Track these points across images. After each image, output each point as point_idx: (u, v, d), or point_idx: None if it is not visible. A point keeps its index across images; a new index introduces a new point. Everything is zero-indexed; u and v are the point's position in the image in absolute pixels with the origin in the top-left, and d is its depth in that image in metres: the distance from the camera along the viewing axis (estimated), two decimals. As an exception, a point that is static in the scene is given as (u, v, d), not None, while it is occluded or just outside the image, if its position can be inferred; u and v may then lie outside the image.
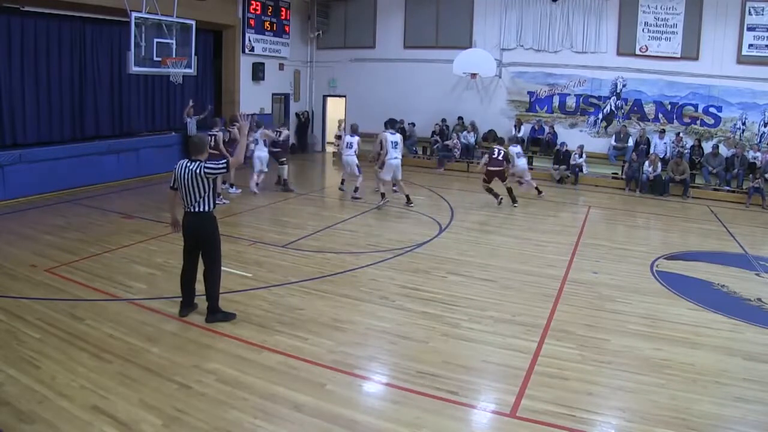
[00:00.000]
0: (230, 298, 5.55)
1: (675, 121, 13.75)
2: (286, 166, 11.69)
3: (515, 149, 11.52)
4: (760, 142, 12.94)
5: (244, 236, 8.02)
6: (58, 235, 7.77)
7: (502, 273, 6.85)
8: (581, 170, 13.75)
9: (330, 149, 17.69)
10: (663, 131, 13.61)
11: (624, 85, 14.06)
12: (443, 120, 15.59)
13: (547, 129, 14.73)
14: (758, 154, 12.64)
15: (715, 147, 12.97)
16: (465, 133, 15.31)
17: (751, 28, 12.69)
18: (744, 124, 13.11)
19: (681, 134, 13.49)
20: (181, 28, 10.77)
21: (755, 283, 6.89)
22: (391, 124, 10.54)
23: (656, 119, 13.95)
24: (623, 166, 13.78)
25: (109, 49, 11.87)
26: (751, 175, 12.38)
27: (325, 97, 17.89)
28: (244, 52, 14.80)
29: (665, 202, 12.25)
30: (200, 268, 5.14)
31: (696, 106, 13.51)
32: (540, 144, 14.74)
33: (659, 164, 12.93)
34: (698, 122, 13.57)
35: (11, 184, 9.64)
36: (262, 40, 15.30)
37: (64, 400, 3.78)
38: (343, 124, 15.49)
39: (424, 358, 4.62)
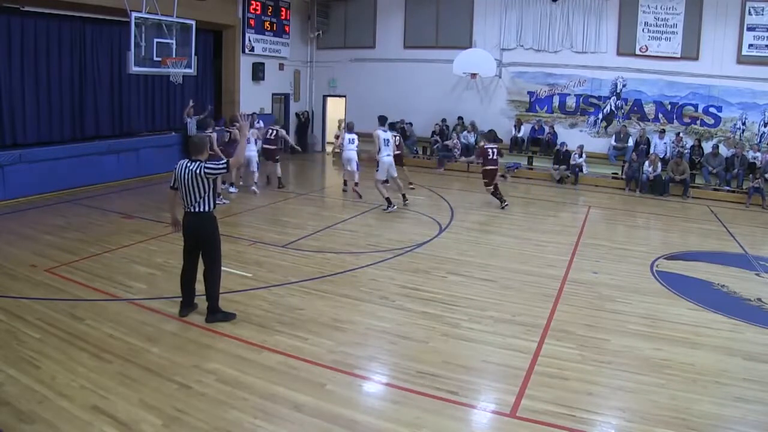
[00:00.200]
0: (230, 298, 5.55)
1: (675, 121, 13.75)
2: (278, 164, 11.69)
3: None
4: (760, 142, 12.94)
5: (244, 236, 8.02)
6: (58, 235, 7.77)
7: (502, 273, 6.85)
8: (581, 170, 13.75)
9: (329, 149, 17.68)
10: (663, 131, 13.61)
11: (624, 85, 14.06)
12: (443, 120, 15.59)
13: (547, 129, 14.73)
14: (758, 154, 12.64)
15: (715, 147, 12.97)
16: (465, 133, 15.30)
17: (751, 28, 12.69)
18: (744, 124, 13.11)
19: (681, 134, 13.49)
20: (181, 28, 10.77)
21: (755, 283, 6.89)
22: (383, 120, 10.38)
23: (656, 119, 13.95)
24: (623, 166, 13.78)
25: (109, 49, 11.87)
26: (751, 175, 12.38)
27: (325, 97, 17.89)
28: (244, 52, 14.80)
29: (665, 202, 12.25)
30: (200, 268, 5.14)
31: (696, 106, 13.50)
32: (540, 144, 14.75)
33: (659, 164, 12.93)
34: (698, 122, 13.57)
35: (11, 184, 9.64)
36: (262, 40, 15.30)
37: (64, 400, 3.78)
38: (342, 124, 15.49)
39: (424, 358, 4.62)
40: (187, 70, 11.07)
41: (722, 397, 4.14)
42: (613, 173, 14.02)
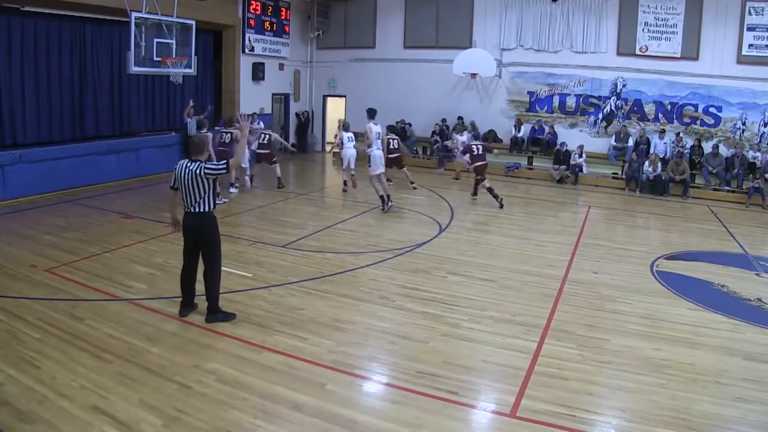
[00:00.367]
0: (230, 298, 5.55)
1: (675, 121, 13.75)
2: (277, 165, 11.71)
3: (462, 138, 12.15)
4: (760, 142, 12.94)
5: (244, 236, 8.02)
6: (58, 235, 7.77)
7: (502, 273, 6.85)
8: (581, 170, 13.75)
9: (329, 149, 17.69)
10: (663, 131, 13.61)
11: (624, 85, 14.06)
12: (443, 120, 15.58)
13: (547, 129, 14.73)
14: (758, 154, 12.64)
15: (715, 147, 12.97)
16: (465, 132, 15.27)
17: (751, 28, 12.69)
18: (744, 124, 13.11)
19: (681, 134, 13.49)
20: (181, 28, 10.77)
21: (755, 283, 6.89)
22: (373, 113, 10.18)
23: (656, 119, 13.95)
24: (623, 166, 13.78)
25: (109, 49, 11.87)
26: (751, 175, 12.38)
27: (325, 97, 17.89)
28: (244, 52, 14.80)
29: (665, 202, 12.25)
30: (200, 268, 5.14)
31: (696, 106, 13.50)
32: (540, 144, 14.75)
33: (659, 164, 12.93)
34: (698, 122, 13.56)
35: (11, 184, 9.64)
36: (262, 40, 15.30)
37: (64, 400, 3.78)
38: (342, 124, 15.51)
39: (424, 358, 4.62)
40: (187, 70, 11.07)
41: (722, 397, 4.14)
42: (613, 173, 14.02)
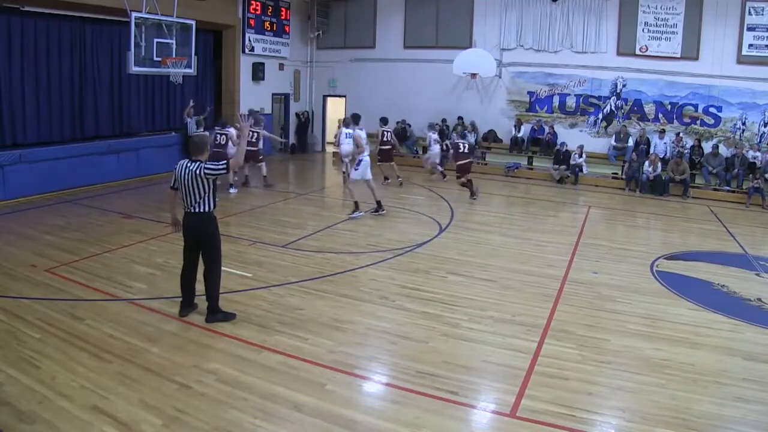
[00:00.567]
0: (230, 298, 5.55)
1: (675, 121, 13.75)
2: (263, 164, 11.73)
3: (434, 136, 12.49)
4: (760, 142, 12.94)
5: (244, 236, 8.02)
6: (58, 235, 7.77)
7: (502, 273, 6.85)
8: (581, 170, 13.75)
9: (330, 149, 17.68)
10: (663, 131, 13.62)
11: (624, 85, 14.06)
12: (443, 120, 15.57)
13: (547, 129, 14.73)
14: (758, 154, 12.64)
15: (715, 147, 12.97)
16: (465, 133, 15.28)
17: (751, 28, 12.69)
18: (744, 124, 13.12)
19: (681, 134, 13.49)
20: (181, 28, 10.77)
21: (755, 283, 6.89)
22: (358, 119, 10.01)
23: (656, 119, 13.95)
24: (623, 166, 13.78)
25: (109, 49, 11.87)
26: (751, 175, 12.38)
27: (325, 97, 17.89)
28: (244, 52, 14.80)
29: (665, 202, 12.25)
30: (200, 268, 5.14)
31: (696, 106, 13.51)
32: (540, 144, 14.75)
33: (659, 164, 12.93)
34: (698, 122, 13.57)
35: (11, 184, 9.65)
36: (262, 40, 15.30)
37: (64, 400, 3.78)
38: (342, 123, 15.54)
39: (424, 358, 4.62)
40: (187, 70, 11.08)
41: (722, 397, 4.14)
42: (613, 173, 14.02)
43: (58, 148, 10.70)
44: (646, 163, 13.03)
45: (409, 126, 15.85)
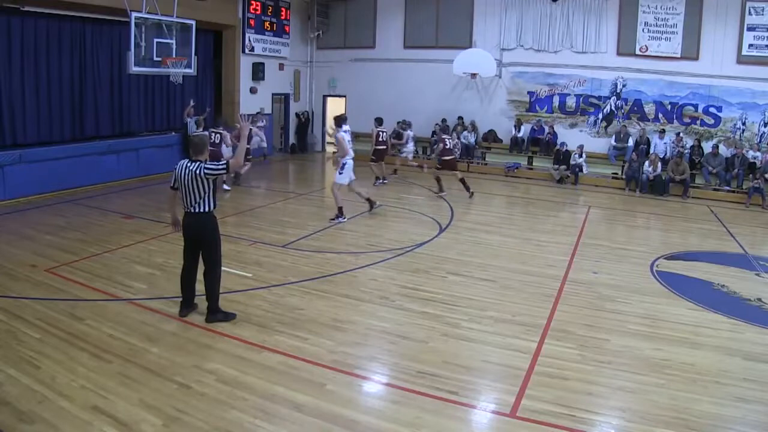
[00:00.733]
0: (230, 298, 5.55)
1: (675, 121, 13.74)
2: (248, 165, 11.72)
3: (410, 133, 12.81)
4: (760, 142, 12.94)
5: (244, 236, 8.02)
6: (58, 235, 7.77)
7: (502, 273, 6.85)
8: (581, 170, 13.75)
9: (330, 149, 17.68)
10: (663, 131, 13.61)
11: (624, 85, 14.06)
12: (443, 120, 15.57)
13: (547, 129, 14.73)
14: (758, 154, 12.64)
15: (715, 147, 12.97)
16: (465, 133, 15.31)
17: (751, 28, 12.69)
18: (744, 124, 13.11)
19: (681, 134, 13.48)
20: (181, 28, 10.76)
21: (755, 283, 6.89)
22: (342, 121, 9.63)
23: (656, 119, 13.95)
24: (623, 166, 13.78)
25: (109, 49, 11.87)
26: (751, 175, 12.38)
27: (325, 97, 17.89)
28: (244, 52, 14.80)
29: (665, 202, 12.25)
30: (200, 268, 5.14)
31: (696, 106, 13.50)
32: (540, 144, 14.74)
33: (659, 164, 12.93)
34: (698, 122, 13.56)
35: (11, 184, 9.65)
36: (262, 40, 15.29)
37: (64, 400, 3.78)
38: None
39: (424, 358, 4.62)
40: (187, 70, 11.08)
41: (722, 397, 4.15)
42: (613, 173, 14.02)
43: (58, 148, 10.70)
44: (646, 163, 13.03)
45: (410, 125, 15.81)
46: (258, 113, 14.13)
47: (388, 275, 6.64)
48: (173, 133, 13.22)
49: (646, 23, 13.57)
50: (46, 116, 10.87)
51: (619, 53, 13.96)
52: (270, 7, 15.37)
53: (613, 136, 14.15)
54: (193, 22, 11.12)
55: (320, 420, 3.70)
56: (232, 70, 14.73)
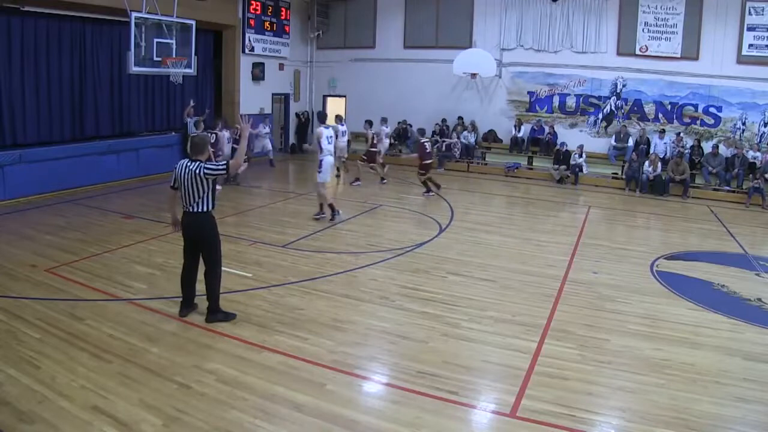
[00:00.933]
0: (230, 298, 5.55)
1: (675, 121, 13.75)
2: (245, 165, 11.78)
3: (386, 130, 12.98)
4: (760, 142, 12.94)
5: (244, 236, 8.02)
6: (58, 235, 7.77)
7: (502, 273, 6.85)
8: (581, 170, 13.75)
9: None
10: (663, 131, 13.62)
11: (624, 85, 14.06)
12: (443, 120, 15.59)
13: (547, 129, 14.73)
14: (758, 154, 12.64)
15: (715, 147, 12.97)
16: (465, 133, 15.31)
17: (751, 28, 12.69)
18: (744, 124, 13.11)
19: (681, 134, 13.48)
20: (181, 28, 10.76)
21: (755, 283, 6.89)
22: (323, 117, 9.72)
23: (656, 119, 13.95)
24: (623, 166, 13.79)
25: (109, 49, 11.87)
26: (751, 175, 12.38)
27: (325, 97, 17.89)
28: (244, 52, 14.80)
29: (665, 202, 12.25)
30: (201, 268, 5.14)
31: (696, 106, 13.50)
32: (540, 144, 14.74)
33: (659, 164, 12.93)
34: (698, 122, 13.57)
35: (11, 184, 9.65)
36: (262, 40, 15.29)
37: (64, 400, 3.78)
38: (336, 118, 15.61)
39: (424, 358, 4.62)
40: (187, 70, 11.07)
41: (722, 397, 4.15)
42: (613, 173, 14.02)
43: (58, 148, 10.70)
44: (646, 163, 13.03)
45: (410, 126, 15.84)
46: (263, 115, 14.23)
47: (388, 275, 6.64)
48: (173, 133, 13.22)
49: (646, 23, 13.57)
50: (46, 116, 10.87)
51: (619, 53, 13.97)
52: (270, 7, 15.38)
53: (613, 136, 14.16)
54: (193, 22, 11.12)
55: (320, 420, 3.70)
56: (232, 70, 14.73)
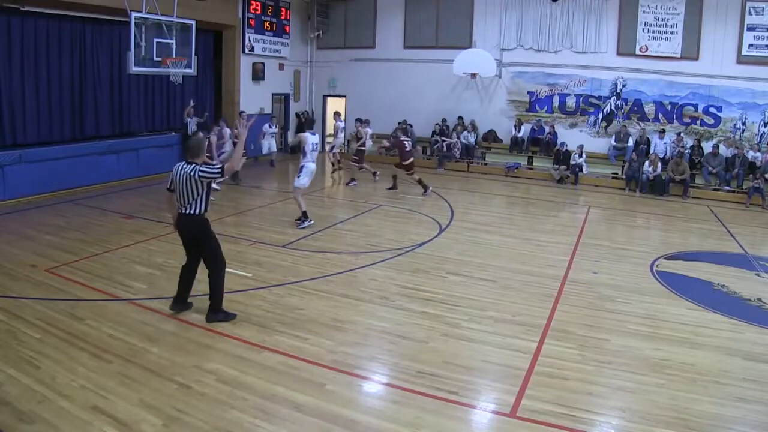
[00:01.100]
0: (230, 298, 5.54)
1: (675, 121, 13.75)
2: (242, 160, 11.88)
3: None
4: (760, 142, 12.94)
5: (244, 236, 8.02)
6: (58, 235, 7.77)
7: (502, 273, 6.85)
8: (581, 170, 13.75)
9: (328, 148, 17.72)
10: (663, 131, 13.61)
11: (624, 85, 14.06)
12: (443, 120, 15.59)
13: (547, 129, 14.73)
14: (758, 154, 12.64)
15: (715, 147, 12.97)
16: (465, 133, 15.31)
17: (751, 28, 12.69)
18: (744, 124, 13.11)
19: (681, 134, 13.48)
20: (181, 28, 10.76)
21: (755, 283, 6.89)
22: (310, 123, 9.47)
23: (656, 119, 13.95)
24: (623, 166, 13.78)
25: (109, 49, 11.86)
26: (751, 175, 12.38)
27: (325, 97, 17.89)
28: (244, 52, 14.79)
29: (665, 202, 12.25)
30: (204, 269, 5.15)
31: (696, 106, 13.50)
32: (540, 144, 14.74)
33: (659, 164, 12.93)
34: (698, 122, 13.56)
35: (11, 184, 9.65)
36: (262, 40, 15.29)
37: (64, 400, 3.78)
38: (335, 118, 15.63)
39: (424, 358, 4.62)
40: (187, 70, 11.07)
41: (722, 397, 4.15)
42: (613, 173, 14.02)
43: (58, 148, 10.70)
44: (646, 163, 13.03)
45: (410, 126, 15.84)
46: (268, 115, 14.36)
47: (388, 275, 6.64)
48: (173, 133, 13.23)
49: (646, 23, 13.57)
50: (46, 116, 10.87)
51: (619, 53, 13.96)
52: (270, 7, 15.37)
53: (613, 136, 14.15)
54: (193, 22, 11.12)
55: (320, 420, 3.70)
56: (232, 70, 14.73)
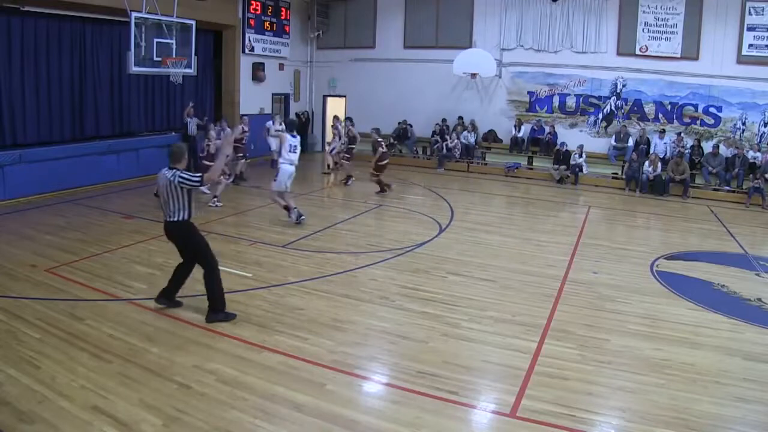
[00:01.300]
0: (230, 298, 5.53)
1: (675, 121, 13.74)
2: (242, 161, 11.92)
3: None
4: (760, 142, 12.94)
5: (244, 236, 8.02)
6: (58, 235, 7.77)
7: (502, 273, 6.85)
8: (581, 170, 13.75)
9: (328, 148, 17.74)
10: (663, 131, 13.61)
11: (624, 85, 14.06)
12: (443, 120, 15.59)
13: (547, 129, 14.73)
14: (758, 154, 12.64)
15: (715, 147, 12.97)
16: (465, 133, 15.31)
17: (751, 28, 12.69)
18: (744, 124, 13.11)
19: (681, 134, 13.48)
20: (181, 28, 10.75)
21: (755, 283, 6.89)
22: (292, 126, 9.21)
23: (656, 119, 13.95)
24: (623, 166, 13.78)
25: (109, 49, 11.86)
26: (751, 175, 12.38)
27: (325, 97, 17.89)
28: (244, 52, 14.79)
29: (665, 202, 12.25)
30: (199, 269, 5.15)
31: (696, 106, 13.50)
32: (540, 144, 14.74)
33: (659, 164, 12.93)
34: (698, 122, 13.56)
35: (11, 184, 9.64)
36: (262, 40, 15.29)
37: (64, 400, 3.78)
38: (336, 120, 15.59)
39: (424, 358, 4.62)
40: (187, 70, 11.06)
41: (722, 397, 4.15)
42: (613, 173, 14.02)
43: (58, 148, 10.69)
44: (646, 163, 13.02)
45: (410, 126, 15.86)
46: (275, 114, 14.47)
47: (388, 275, 6.64)
48: (173, 133, 13.20)
49: (646, 23, 13.57)
50: (46, 116, 10.86)
51: (619, 53, 13.96)
52: (270, 7, 15.37)
53: (613, 136, 14.15)
54: (193, 22, 11.11)
55: (320, 420, 3.70)
56: (232, 70, 14.72)
